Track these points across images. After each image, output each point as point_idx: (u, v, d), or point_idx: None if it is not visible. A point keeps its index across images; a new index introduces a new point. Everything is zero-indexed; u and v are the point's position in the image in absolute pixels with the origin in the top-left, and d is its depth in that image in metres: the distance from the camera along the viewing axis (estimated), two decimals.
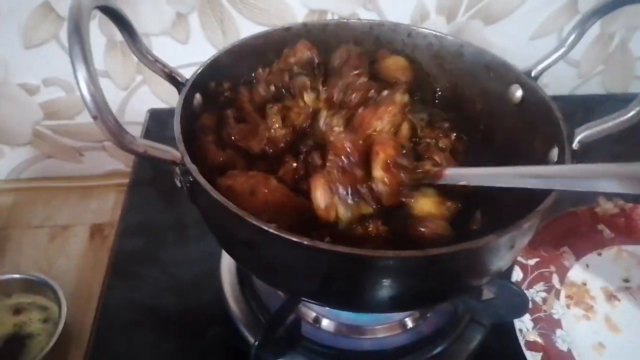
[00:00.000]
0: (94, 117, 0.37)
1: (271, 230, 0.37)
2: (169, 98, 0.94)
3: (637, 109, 0.44)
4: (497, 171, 0.43)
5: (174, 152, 0.43)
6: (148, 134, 0.88)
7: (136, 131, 0.93)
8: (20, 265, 0.84)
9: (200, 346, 0.60)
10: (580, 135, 0.46)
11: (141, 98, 0.92)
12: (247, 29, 0.86)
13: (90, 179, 1.00)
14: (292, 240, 0.37)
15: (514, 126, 0.56)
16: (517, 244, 0.43)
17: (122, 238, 0.73)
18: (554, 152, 0.49)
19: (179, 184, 0.45)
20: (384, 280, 0.40)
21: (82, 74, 0.36)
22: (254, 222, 0.38)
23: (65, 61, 0.85)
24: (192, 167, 0.43)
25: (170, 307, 0.65)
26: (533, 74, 0.56)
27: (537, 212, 0.40)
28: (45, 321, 0.75)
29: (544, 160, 0.50)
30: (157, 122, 0.90)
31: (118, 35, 0.83)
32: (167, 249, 0.72)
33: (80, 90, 0.36)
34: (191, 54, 0.87)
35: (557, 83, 0.99)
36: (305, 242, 0.37)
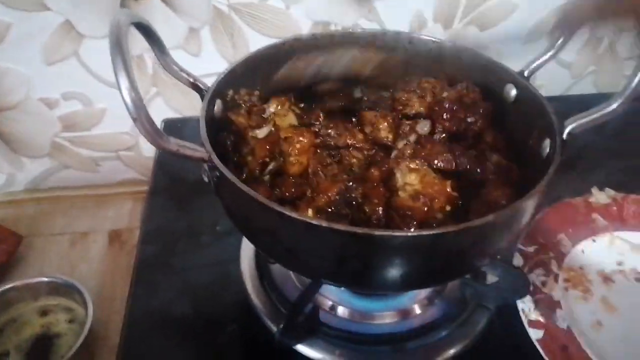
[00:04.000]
0: (134, 119, 0.42)
1: (292, 215, 0.42)
2: (182, 108, 0.98)
3: (619, 101, 0.48)
4: None
5: (202, 151, 0.48)
6: None
7: None
8: (44, 271, 0.88)
9: (224, 341, 0.64)
10: (570, 127, 0.51)
11: (155, 109, 0.97)
12: (255, 41, 0.91)
13: (106, 187, 1.05)
14: (311, 223, 0.42)
15: (512, 122, 0.61)
16: (515, 225, 0.48)
17: (143, 245, 0.77)
18: (547, 143, 0.53)
19: (206, 179, 0.50)
20: (396, 258, 0.44)
21: (124, 82, 0.40)
22: (276, 208, 0.42)
23: (83, 76, 0.91)
24: (219, 163, 0.47)
25: (193, 308, 0.68)
26: (526, 73, 0.61)
27: (532, 194, 0.44)
28: (71, 322, 0.79)
29: (538, 151, 0.54)
30: (171, 130, 0.94)
31: (133, 49, 0.88)
32: (186, 253, 0.76)
33: (122, 96, 0.41)
34: (203, 66, 0.91)
35: (551, 84, 1.05)
36: (323, 224, 0.41)
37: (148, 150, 1.03)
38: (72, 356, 0.71)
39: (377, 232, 0.41)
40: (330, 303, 0.63)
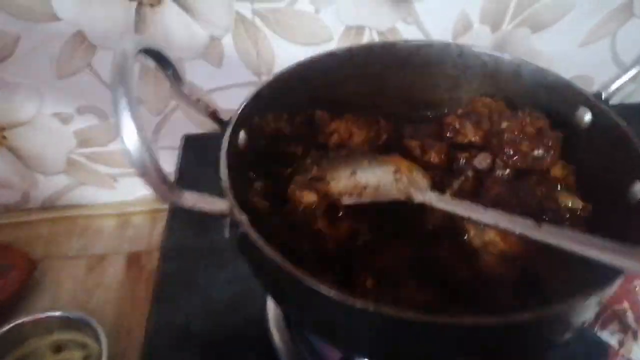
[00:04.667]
0: (141, 175, 0.35)
1: (331, 296, 0.34)
2: (203, 122, 0.91)
3: None
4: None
5: (222, 204, 0.40)
6: (184, 161, 0.86)
7: (171, 156, 0.91)
8: (60, 299, 0.83)
9: None
10: None
11: (175, 123, 0.90)
12: (282, 48, 0.83)
13: (124, 205, 0.99)
14: (355, 307, 0.34)
15: (585, 154, 0.52)
16: (603, 299, 0.39)
17: (164, 264, 0.72)
18: (638, 187, 0.44)
19: (227, 236, 0.42)
20: (458, 346, 0.36)
21: (127, 126, 0.33)
22: (312, 286, 0.35)
23: (98, 89, 0.84)
24: (243, 220, 0.40)
25: (215, 332, 0.63)
26: (604, 96, 0.51)
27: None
28: (86, 358, 0.74)
29: (626, 194, 0.45)
30: (192, 148, 0.88)
31: (150, 61, 0.81)
32: (207, 273, 0.70)
33: (125, 144, 0.34)
34: (224, 77, 0.84)
35: None
36: (370, 309, 0.33)
37: (168, 165, 0.96)
38: None
39: (436, 319, 0.33)
40: None
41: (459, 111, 0.57)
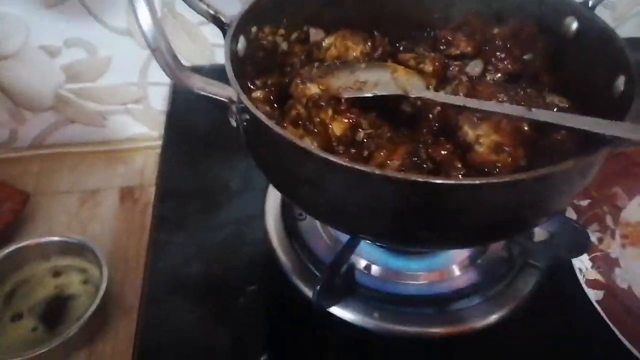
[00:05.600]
0: (153, 50, 0.36)
1: (342, 162, 0.36)
2: (192, 56, 0.91)
3: None
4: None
5: (230, 90, 0.41)
6: (175, 94, 0.87)
7: (162, 92, 0.91)
8: (53, 231, 0.83)
9: (247, 302, 0.60)
10: None
11: None
12: None
13: (115, 143, 0.99)
14: (364, 171, 0.36)
15: (571, 60, 0.54)
16: (590, 173, 0.42)
17: (159, 204, 0.73)
18: (620, 81, 0.47)
19: (234, 124, 0.44)
20: (458, 209, 0.38)
21: (141, 9, 0.34)
22: (322, 155, 0.37)
23: (86, 20, 0.83)
24: (249, 104, 0.41)
25: (213, 269, 0.64)
26: (590, 3, 0.53)
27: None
28: (85, 282, 0.75)
29: (609, 90, 0.48)
30: None
31: None
32: (204, 212, 0.71)
33: (139, 22, 0.35)
34: None
35: None
36: (377, 172, 0.36)
37: (158, 103, 0.96)
38: (88, 318, 0.68)
39: (446, 181, 0.35)
40: (365, 262, 0.58)
41: (452, 25, 0.59)
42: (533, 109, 0.42)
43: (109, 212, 0.87)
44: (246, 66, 0.54)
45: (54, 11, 0.81)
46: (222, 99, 0.41)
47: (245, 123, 0.42)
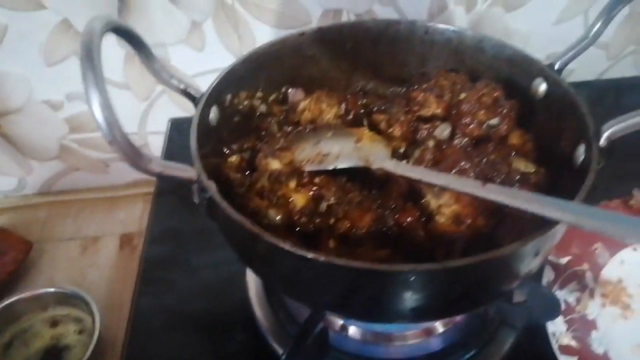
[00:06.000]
0: (109, 142, 0.38)
1: (286, 248, 0.37)
2: (189, 106, 0.93)
3: None
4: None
5: (190, 171, 0.43)
6: (171, 143, 0.89)
7: (159, 140, 0.94)
8: (55, 279, 0.87)
9: (229, 351, 0.61)
10: (608, 132, 0.44)
11: (162, 107, 0.93)
12: (262, 32, 0.85)
13: (116, 189, 1.02)
14: (307, 257, 0.37)
15: (540, 121, 0.54)
16: (548, 245, 0.42)
17: (150, 245, 0.75)
18: (581, 149, 0.47)
19: (196, 201, 0.45)
20: (404, 292, 0.39)
21: (95, 100, 0.36)
22: (269, 240, 0.38)
23: None
24: (209, 185, 0.43)
25: (199, 312, 0.66)
26: (557, 66, 0.54)
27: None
28: (81, 332, 0.77)
29: (571, 157, 0.48)
30: (178, 131, 0.91)
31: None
32: (193, 254, 0.73)
33: (95, 116, 0.37)
34: (208, 62, 0.87)
35: (584, 67, 0.96)
36: (321, 259, 0.36)
37: (158, 150, 0.99)
38: None
39: (379, 267, 0.36)
40: (340, 322, 0.59)
41: (424, 86, 0.60)
42: (487, 185, 0.42)
43: (107, 259, 0.90)
44: (221, 132, 0.56)
45: (55, 68, 0.85)
46: (183, 179, 0.43)
47: (205, 201, 0.44)
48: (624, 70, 0.97)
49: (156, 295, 0.68)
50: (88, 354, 0.70)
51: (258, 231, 0.38)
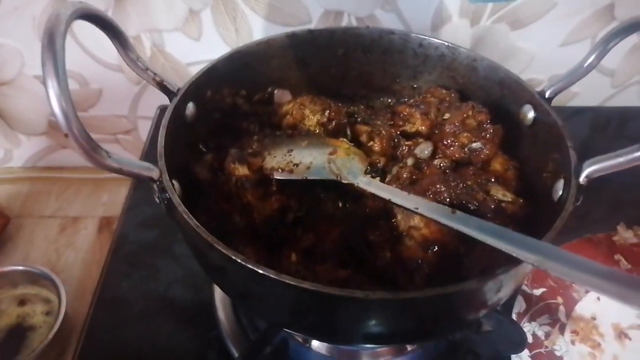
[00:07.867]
0: (65, 135, 0.36)
1: (238, 260, 0.36)
2: None
3: None
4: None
5: (151, 170, 0.42)
6: (157, 130, 0.87)
7: (148, 125, 0.93)
8: (30, 256, 0.86)
9: (188, 347, 0.60)
10: (588, 170, 0.42)
11: (154, 92, 0.90)
12: (260, 27, 0.83)
13: (102, 171, 1.01)
14: (258, 272, 0.35)
15: (525, 149, 0.53)
16: (505, 286, 0.40)
17: (132, 230, 0.76)
18: (560, 184, 0.45)
19: (157, 200, 0.44)
20: (357, 317, 0.37)
21: (53, 90, 0.35)
22: (223, 250, 0.36)
23: (78, 55, 0.86)
24: (169, 187, 0.41)
25: (166, 302, 0.65)
26: (547, 94, 0.52)
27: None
28: (48, 314, 0.76)
29: (550, 191, 0.46)
30: None
31: (129, 30, 0.82)
32: (168, 244, 0.73)
33: (51, 107, 0.35)
34: (203, 51, 0.85)
35: (588, 92, 0.93)
36: (271, 276, 0.35)
37: (145, 134, 0.98)
38: (42, 350, 0.69)
39: (329, 291, 0.34)
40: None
41: (411, 101, 0.58)
42: (457, 213, 0.41)
43: (85, 241, 0.89)
44: (199, 129, 0.55)
45: None
46: (144, 178, 0.41)
47: (165, 202, 0.42)
48: (628, 99, 0.95)
49: (120, 286, 0.68)
50: (50, 336, 0.69)
51: (211, 240, 0.37)
